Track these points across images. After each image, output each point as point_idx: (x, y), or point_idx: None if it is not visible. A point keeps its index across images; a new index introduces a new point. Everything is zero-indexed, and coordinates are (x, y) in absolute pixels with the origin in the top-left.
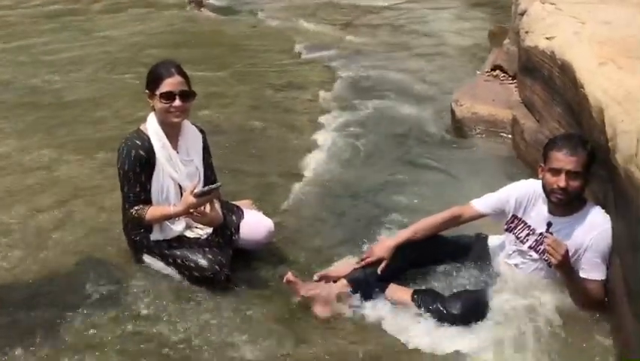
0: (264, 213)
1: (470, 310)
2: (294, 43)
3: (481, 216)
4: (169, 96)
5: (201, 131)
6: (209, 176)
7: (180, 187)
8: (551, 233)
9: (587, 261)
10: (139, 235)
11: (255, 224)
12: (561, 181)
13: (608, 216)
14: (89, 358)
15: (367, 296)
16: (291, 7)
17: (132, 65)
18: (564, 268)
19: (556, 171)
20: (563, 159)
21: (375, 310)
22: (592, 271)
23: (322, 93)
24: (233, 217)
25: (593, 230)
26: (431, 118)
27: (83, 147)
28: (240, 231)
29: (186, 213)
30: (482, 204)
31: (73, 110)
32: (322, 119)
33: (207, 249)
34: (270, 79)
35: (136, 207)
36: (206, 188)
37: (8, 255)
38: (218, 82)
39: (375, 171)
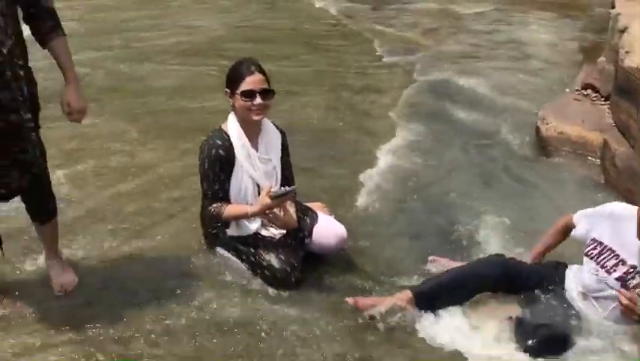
0: (335, 218)
1: (544, 344)
2: (375, 45)
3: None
4: (250, 94)
5: (281, 131)
6: (287, 176)
7: (258, 186)
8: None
9: None
10: (216, 229)
11: (328, 230)
12: None
13: None
14: (162, 343)
15: (433, 310)
16: (373, 9)
17: (215, 57)
18: None
19: None
20: None
21: (442, 325)
22: None
23: (401, 98)
24: (307, 220)
25: None
26: (513, 133)
27: (165, 135)
28: (313, 235)
29: (262, 213)
30: (577, 217)
31: (157, 98)
32: (400, 124)
33: (280, 249)
34: (349, 80)
35: (214, 205)
36: (282, 190)
37: (87, 237)
38: (296, 80)
39: (453, 184)
